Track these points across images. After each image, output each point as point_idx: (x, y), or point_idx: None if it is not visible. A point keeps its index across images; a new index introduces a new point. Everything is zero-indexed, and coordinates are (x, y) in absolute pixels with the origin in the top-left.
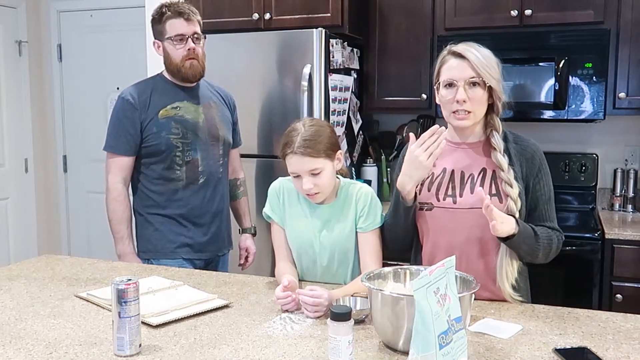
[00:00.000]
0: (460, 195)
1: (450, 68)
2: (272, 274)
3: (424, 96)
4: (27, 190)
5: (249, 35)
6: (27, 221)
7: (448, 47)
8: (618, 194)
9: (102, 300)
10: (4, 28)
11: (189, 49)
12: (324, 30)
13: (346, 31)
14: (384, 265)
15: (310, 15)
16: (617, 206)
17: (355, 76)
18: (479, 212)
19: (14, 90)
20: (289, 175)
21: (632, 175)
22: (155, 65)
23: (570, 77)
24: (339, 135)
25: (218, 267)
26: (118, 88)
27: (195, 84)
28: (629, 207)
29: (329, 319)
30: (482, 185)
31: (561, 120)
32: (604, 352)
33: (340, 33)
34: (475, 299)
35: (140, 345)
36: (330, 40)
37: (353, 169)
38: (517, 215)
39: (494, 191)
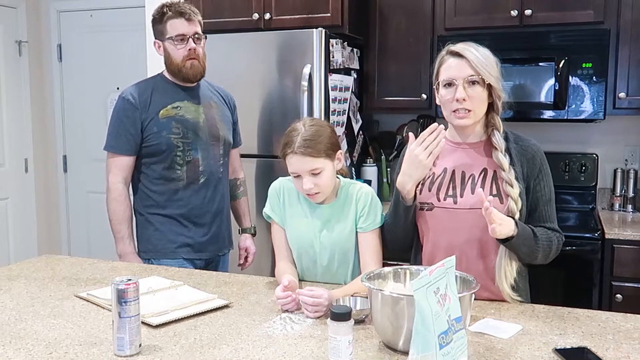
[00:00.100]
0: (461, 196)
1: (449, 67)
2: (272, 274)
3: (424, 96)
4: (27, 190)
5: (249, 35)
6: (27, 221)
7: (446, 47)
8: (618, 194)
9: (102, 300)
10: (4, 28)
11: (189, 49)
12: (324, 30)
13: (346, 31)
14: (384, 265)
15: (310, 15)
16: (617, 206)
17: (355, 76)
18: (480, 213)
19: (14, 90)
20: (289, 175)
21: (632, 175)
22: (155, 65)
23: (570, 77)
24: (339, 135)
25: (218, 267)
26: (118, 88)
27: (195, 84)
28: (629, 207)
29: (329, 319)
30: (482, 185)
31: (561, 120)
32: (604, 352)
33: (340, 33)
34: (475, 299)
35: (140, 345)
36: (330, 40)
37: (353, 169)
38: (517, 215)
39: (494, 191)
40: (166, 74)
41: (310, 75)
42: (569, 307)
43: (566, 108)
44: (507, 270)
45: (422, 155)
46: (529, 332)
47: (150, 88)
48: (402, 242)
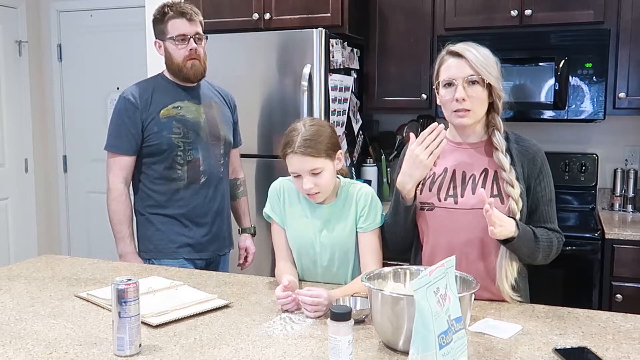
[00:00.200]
0: (462, 196)
1: (448, 67)
2: (272, 274)
3: (424, 96)
4: (27, 190)
5: (249, 35)
6: (27, 221)
7: (446, 47)
8: (618, 194)
9: (102, 300)
10: (4, 28)
11: (190, 49)
12: (324, 30)
13: (346, 31)
14: (384, 265)
15: (310, 15)
16: (617, 206)
17: (355, 76)
18: (480, 213)
19: (14, 90)
20: (290, 175)
21: (632, 175)
22: (155, 65)
23: (570, 77)
24: (339, 135)
25: (219, 267)
26: (118, 88)
27: (196, 84)
28: (629, 207)
29: (329, 319)
30: (483, 185)
31: (561, 120)
32: (604, 352)
33: (340, 33)
34: (475, 299)
35: (140, 345)
36: (330, 40)
37: (353, 169)
38: (518, 216)
39: (495, 191)
40: (167, 74)
41: (310, 75)
42: (569, 307)
43: (566, 108)
44: (508, 271)
45: (422, 155)
46: (529, 332)
47: (151, 88)
48: (402, 242)
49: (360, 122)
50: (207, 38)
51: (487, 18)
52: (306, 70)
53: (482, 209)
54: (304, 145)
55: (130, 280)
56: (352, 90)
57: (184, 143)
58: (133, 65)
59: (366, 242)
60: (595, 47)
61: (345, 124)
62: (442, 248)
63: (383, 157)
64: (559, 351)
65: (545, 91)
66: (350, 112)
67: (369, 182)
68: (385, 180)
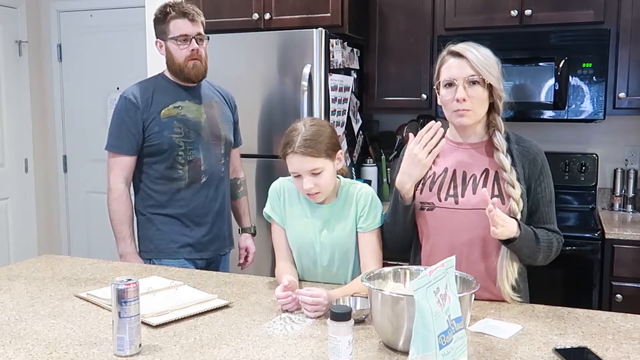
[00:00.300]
0: (462, 196)
1: (449, 67)
2: (272, 274)
3: (424, 96)
4: (27, 190)
5: (249, 35)
6: (27, 221)
7: (447, 47)
8: (618, 194)
9: (102, 300)
10: (4, 28)
11: (192, 50)
12: (324, 30)
13: (346, 31)
14: (384, 265)
15: (310, 15)
16: (617, 206)
17: (355, 76)
18: (481, 213)
19: (14, 90)
20: (290, 175)
21: (632, 175)
22: (155, 65)
23: (570, 77)
24: (339, 135)
25: (219, 267)
26: (118, 88)
27: (196, 83)
28: (629, 207)
29: (329, 319)
30: (484, 186)
31: (561, 120)
32: (604, 352)
33: (340, 33)
34: (475, 299)
35: (140, 345)
36: (330, 40)
37: (353, 169)
38: (519, 216)
39: (496, 192)
40: (167, 74)
41: (310, 75)
42: (569, 307)
43: (566, 108)
44: (509, 271)
45: (420, 154)
46: (529, 332)
47: (152, 88)
48: (401, 242)
49: (360, 122)
50: (208, 39)
51: (487, 18)
52: (306, 70)
53: (482, 209)
54: (304, 145)
55: (130, 280)
56: (352, 90)
57: (185, 143)
58: (133, 65)
59: (366, 242)
60: (595, 47)
61: (345, 124)
62: (442, 248)
63: (383, 157)
64: (559, 351)
65: (545, 91)
66: (350, 112)
67: (369, 182)
68: (385, 180)
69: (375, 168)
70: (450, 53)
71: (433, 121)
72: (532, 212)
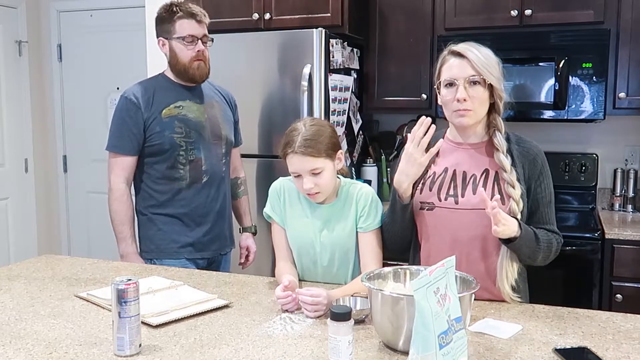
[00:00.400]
0: (462, 196)
1: (450, 67)
2: (272, 274)
3: (424, 96)
4: (27, 190)
5: (249, 35)
6: (27, 221)
7: (448, 47)
8: (618, 194)
9: (102, 300)
10: (4, 28)
11: (198, 51)
12: (324, 30)
13: (346, 31)
14: (384, 265)
15: (310, 15)
16: (617, 206)
17: (355, 76)
18: (481, 213)
19: (14, 90)
20: (290, 174)
21: (632, 175)
22: (155, 65)
23: (570, 77)
24: (339, 135)
25: (220, 266)
26: (118, 88)
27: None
28: (629, 207)
29: (329, 319)
30: (484, 186)
31: (561, 120)
32: (604, 352)
33: (340, 33)
34: (475, 299)
35: (140, 345)
36: (330, 40)
37: (353, 169)
38: (519, 216)
39: (496, 192)
40: (168, 74)
41: (310, 75)
42: (569, 307)
43: (566, 108)
44: (509, 271)
45: (416, 154)
46: (529, 332)
47: (153, 88)
48: (400, 242)
49: (360, 122)
50: (212, 40)
51: (487, 18)
52: (306, 70)
53: (482, 209)
54: (305, 145)
55: (130, 280)
56: (352, 90)
57: (186, 143)
58: (133, 65)
59: (366, 242)
60: (595, 47)
61: (345, 124)
62: (442, 248)
63: (383, 157)
64: (559, 351)
65: (545, 91)
66: (350, 112)
67: (369, 182)
68: (385, 180)
69: (375, 168)
70: (451, 53)
71: (423, 117)
72: (532, 213)
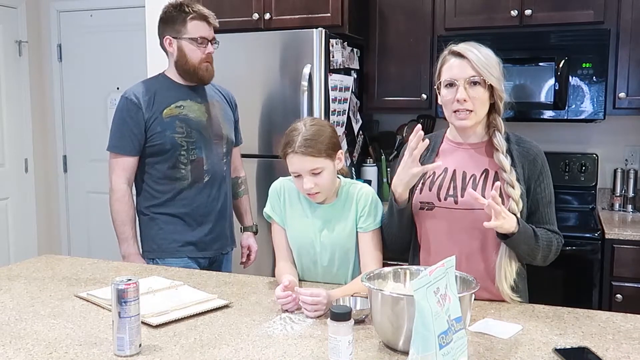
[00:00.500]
0: (462, 196)
1: (450, 68)
2: (273, 274)
3: (424, 96)
4: (27, 190)
5: (249, 35)
6: (27, 221)
7: (449, 47)
8: (618, 194)
9: (102, 300)
10: (4, 28)
11: (208, 53)
12: (324, 30)
13: (346, 31)
14: (384, 265)
15: (310, 15)
16: (617, 206)
17: (355, 76)
18: (481, 213)
19: (14, 90)
20: (290, 174)
21: (632, 175)
22: (155, 65)
23: (570, 77)
24: (339, 135)
25: (222, 266)
26: (118, 88)
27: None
28: (629, 207)
29: (329, 319)
30: (484, 186)
31: (561, 120)
32: (604, 352)
33: (340, 33)
34: (475, 299)
35: (140, 345)
36: (330, 40)
37: (353, 169)
38: (518, 216)
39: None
40: (169, 74)
41: (310, 75)
42: (569, 307)
43: (566, 108)
44: (507, 271)
45: (411, 164)
46: (529, 332)
47: (153, 88)
48: (399, 242)
49: (360, 122)
50: (218, 43)
51: (487, 18)
52: (306, 70)
53: (482, 209)
54: (305, 145)
55: (130, 280)
56: (352, 90)
57: (187, 142)
58: (133, 65)
59: (366, 242)
60: (595, 47)
61: (345, 124)
62: (441, 248)
63: (383, 157)
64: (559, 351)
65: (545, 91)
66: (350, 112)
67: (369, 182)
68: (385, 180)
69: (375, 168)
70: (451, 53)
71: (419, 126)
72: (532, 213)
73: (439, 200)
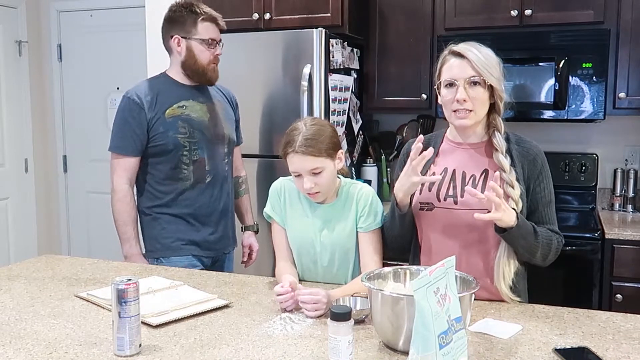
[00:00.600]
0: (461, 196)
1: (450, 67)
2: (273, 274)
3: (424, 96)
4: (27, 190)
5: (249, 35)
6: (27, 221)
7: (449, 47)
8: (618, 194)
9: (102, 300)
10: (4, 28)
11: (216, 54)
12: (324, 30)
13: (346, 31)
14: (384, 265)
15: (310, 15)
16: (617, 206)
17: (355, 76)
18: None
19: (14, 90)
20: (290, 174)
21: (632, 175)
22: (155, 65)
23: (570, 77)
24: (339, 135)
25: (224, 265)
26: (118, 88)
27: (199, 83)
28: (629, 207)
29: (329, 319)
30: (483, 186)
31: (561, 120)
32: (604, 352)
33: (340, 33)
34: (474, 299)
35: (140, 345)
36: (330, 40)
37: (353, 169)
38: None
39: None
40: (170, 73)
41: (310, 75)
42: (569, 307)
43: (566, 108)
44: (505, 271)
45: (411, 172)
46: (529, 332)
47: (156, 88)
48: (400, 242)
49: (360, 122)
50: (222, 45)
51: (487, 18)
52: (306, 70)
53: (482, 209)
54: (305, 145)
55: (130, 280)
56: (352, 90)
57: (189, 143)
58: (133, 65)
59: (366, 242)
60: (595, 47)
61: (345, 124)
62: (441, 248)
63: (383, 157)
64: (559, 351)
65: (545, 91)
66: (350, 112)
67: (369, 182)
68: (385, 180)
69: (375, 168)
70: (451, 53)
71: (421, 136)
72: (531, 213)
73: (439, 200)
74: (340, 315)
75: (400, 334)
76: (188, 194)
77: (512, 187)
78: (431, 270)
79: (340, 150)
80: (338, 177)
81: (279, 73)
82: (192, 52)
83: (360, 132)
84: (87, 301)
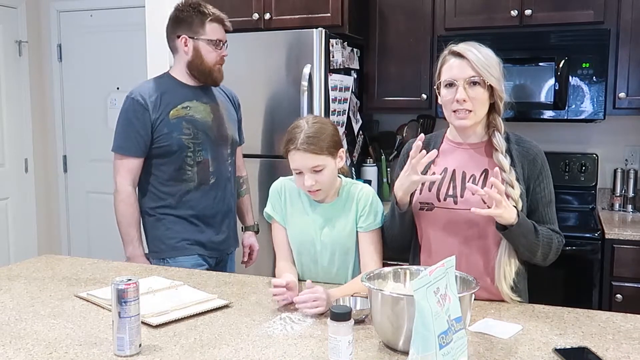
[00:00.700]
0: (461, 196)
1: (450, 68)
2: (273, 274)
3: (424, 96)
4: (27, 190)
5: (249, 35)
6: (27, 221)
7: (449, 47)
8: (618, 194)
9: (102, 300)
10: (4, 28)
11: (222, 56)
12: (324, 30)
13: (346, 31)
14: (384, 265)
15: (310, 15)
16: (617, 206)
17: (355, 76)
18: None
19: (14, 90)
20: (292, 171)
21: (632, 175)
22: (155, 65)
23: (570, 77)
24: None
25: (227, 265)
26: (118, 88)
27: (203, 83)
28: (629, 207)
29: (329, 319)
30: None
31: (561, 120)
32: (604, 352)
33: (340, 33)
34: (474, 299)
35: (140, 345)
36: (330, 40)
37: (353, 168)
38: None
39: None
40: (174, 73)
41: (310, 75)
42: (569, 307)
43: (566, 108)
44: (506, 271)
45: (411, 171)
46: (529, 332)
47: (159, 88)
48: (400, 242)
49: (360, 122)
50: (227, 46)
51: (487, 18)
52: (306, 70)
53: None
54: (307, 142)
55: (130, 280)
56: (352, 90)
57: (193, 144)
58: (133, 65)
59: (366, 241)
60: (595, 47)
61: (345, 124)
62: (441, 248)
63: (383, 157)
64: (559, 351)
65: (545, 91)
66: (350, 112)
67: (369, 182)
68: (385, 180)
69: (375, 168)
70: (451, 53)
71: (421, 135)
72: (531, 212)
73: (439, 200)
74: (340, 315)
75: (400, 334)
76: (192, 195)
77: (512, 187)
78: (431, 270)
79: (341, 149)
80: (339, 177)
81: (279, 73)
82: (199, 53)
83: (360, 132)
84: (87, 301)
